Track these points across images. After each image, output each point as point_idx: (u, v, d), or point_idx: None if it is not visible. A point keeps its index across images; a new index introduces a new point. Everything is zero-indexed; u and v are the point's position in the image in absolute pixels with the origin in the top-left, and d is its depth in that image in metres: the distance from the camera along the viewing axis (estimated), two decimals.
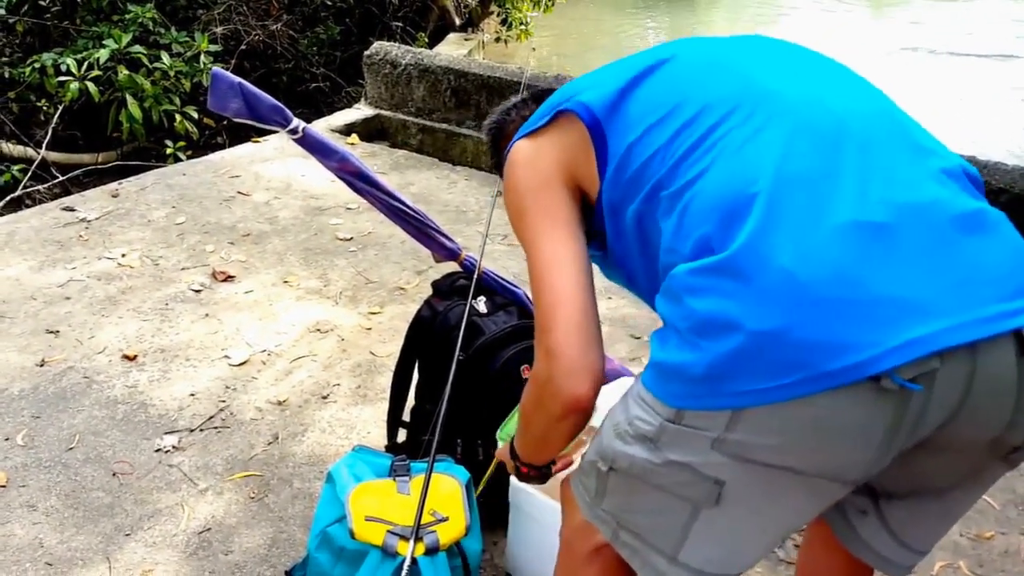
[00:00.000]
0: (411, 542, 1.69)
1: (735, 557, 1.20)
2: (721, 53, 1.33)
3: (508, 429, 1.94)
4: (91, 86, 5.33)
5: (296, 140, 2.03)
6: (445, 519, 1.79)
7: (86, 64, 5.43)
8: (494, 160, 1.71)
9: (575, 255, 1.29)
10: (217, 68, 1.96)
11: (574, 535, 1.36)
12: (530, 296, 2.23)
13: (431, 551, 1.72)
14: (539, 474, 1.53)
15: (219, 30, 6.38)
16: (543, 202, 1.33)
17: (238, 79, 1.93)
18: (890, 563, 1.36)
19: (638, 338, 3.14)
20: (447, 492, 1.85)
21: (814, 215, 1.06)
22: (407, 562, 1.65)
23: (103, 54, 5.38)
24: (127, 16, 5.81)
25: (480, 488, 2.08)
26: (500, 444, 1.93)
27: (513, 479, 1.95)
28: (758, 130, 1.16)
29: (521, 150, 1.41)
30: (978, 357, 1.03)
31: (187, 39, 6.02)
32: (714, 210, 1.11)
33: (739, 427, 1.06)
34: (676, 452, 1.12)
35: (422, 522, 1.73)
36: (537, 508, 1.93)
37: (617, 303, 3.33)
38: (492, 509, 2.08)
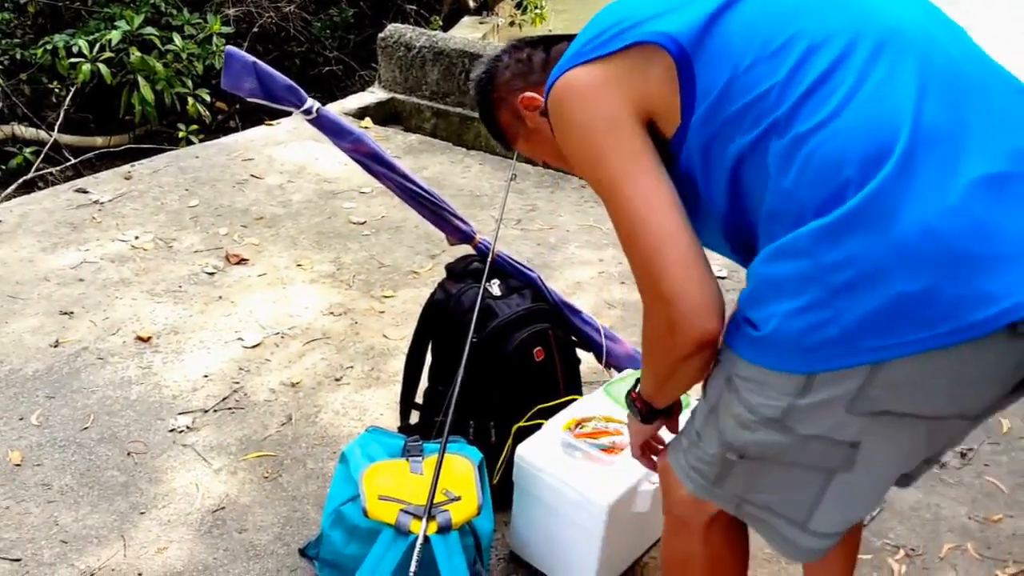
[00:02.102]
0: (424, 521, 1.70)
1: (857, 511, 1.24)
2: None
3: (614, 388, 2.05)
4: (103, 68, 5.34)
5: (310, 121, 2.03)
6: (458, 498, 1.80)
7: (98, 46, 5.43)
8: (484, 115, 1.55)
9: (669, 193, 1.18)
10: (231, 47, 1.96)
11: (687, 510, 1.34)
12: (543, 279, 2.25)
13: (444, 530, 1.73)
14: (664, 417, 1.45)
15: (232, 12, 6.38)
16: (621, 140, 1.20)
17: (252, 58, 1.93)
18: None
19: None
20: (460, 472, 1.86)
21: (950, 168, 1.04)
22: (420, 540, 1.66)
23: (115, 36, 5.38)
24: None
25: (497, 476, 2.09)
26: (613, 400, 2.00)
27: (517, 460, 1.97)
28: (888, 73, 1.10)
29: (578, 78, 1.23)
30: None
31: (199, 21, 6.02)
32: (849, 158, 1.06)
33: (878, 380, 1.07)
34: (808, 426, 1.13)
35: (435, 501, 1.74)
36: (541, 488, 1.94)
37: (631, 288, 3.32)
38: (504, 490, 2.09)
